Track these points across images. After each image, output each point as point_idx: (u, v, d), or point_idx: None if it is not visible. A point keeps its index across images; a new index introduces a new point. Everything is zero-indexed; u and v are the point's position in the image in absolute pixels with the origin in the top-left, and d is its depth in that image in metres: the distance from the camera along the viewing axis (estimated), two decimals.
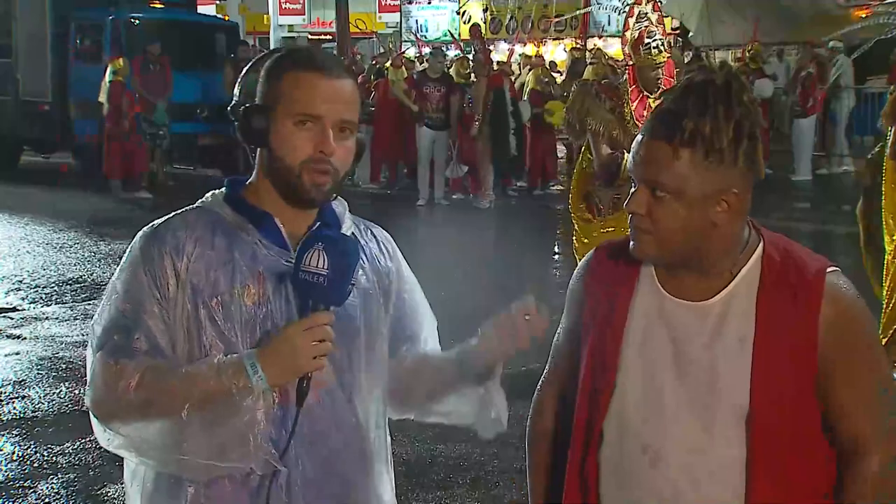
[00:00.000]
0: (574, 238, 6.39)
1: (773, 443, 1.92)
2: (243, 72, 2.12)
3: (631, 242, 2.01)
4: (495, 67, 14.36)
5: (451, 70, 14.82)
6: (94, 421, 2.02)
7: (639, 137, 1.98)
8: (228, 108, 2.08)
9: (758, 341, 1.93)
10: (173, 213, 2.09)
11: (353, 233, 2.15)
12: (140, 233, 2.06)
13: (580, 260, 2.36)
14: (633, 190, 1.99)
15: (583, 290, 2.16)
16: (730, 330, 1.96)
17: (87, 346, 2.06)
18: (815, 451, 1.97)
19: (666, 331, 2.01)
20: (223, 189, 2.13)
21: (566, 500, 2.11)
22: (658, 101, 2.03)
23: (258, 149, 2.08)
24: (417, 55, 18.87)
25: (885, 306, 6.26)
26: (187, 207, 2.10)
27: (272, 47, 21.94)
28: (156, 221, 2.07)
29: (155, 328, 1.98)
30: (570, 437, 2.10)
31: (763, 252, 2.00)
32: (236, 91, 2.10)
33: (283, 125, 2.00)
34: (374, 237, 2.23)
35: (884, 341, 6.29)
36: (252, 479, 2.00)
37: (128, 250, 2.06)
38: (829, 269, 1.98)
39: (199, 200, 2.12)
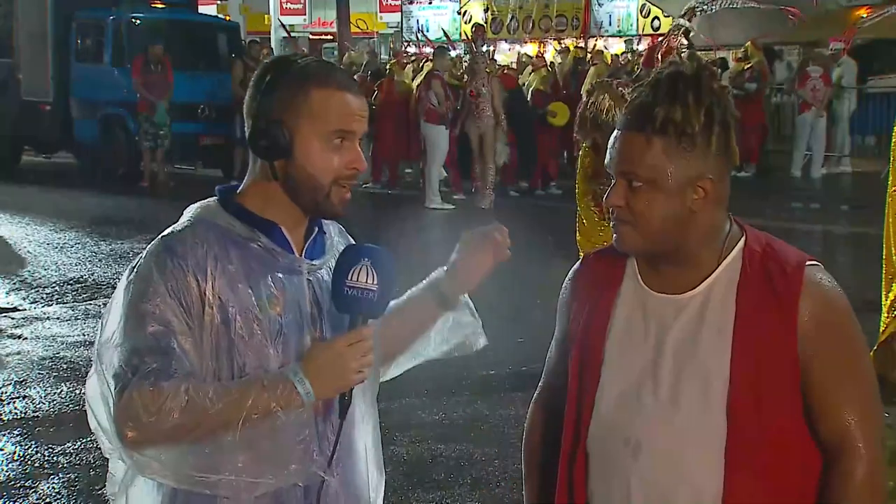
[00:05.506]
0: (578, 235, 6.37)
1: (751, 434, 1.92)
2: (255, 81, 2.04)
3: (614, 236, 2.02)
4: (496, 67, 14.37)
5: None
6: (123, 451, 1.93)
7: (615, 133, 2.00)
8: (250, 129, 2.03)
9: (737, 332, 1.94)
10: (181, 228, 2.02)
11: (335, 234, 2.19)
12: (151, 251, 2.00)
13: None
14: (612, 185, 2.00)
15: (570, 297, 2.18)
16: (709, 321, 1.98)
17: (87, 346, 2.04)
18: (792, 447, 1.96)
19: (647, 325, 2.03)
20: (215, 199, 2.08)
21: (557, 500, 2.12)
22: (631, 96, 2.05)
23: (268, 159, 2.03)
24: (417, 54, 18.86)
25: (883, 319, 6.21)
26: (191, 221, 2.04)
27: (273, 48, 22.03)
28: (165, 238, 2.00)
29: (187, 347, 1.94)
30: (561, 441, 2.11)
31: (745, 245, 2.02)
32: (252, 104, 2.03)
33: (313, 142, 2.00)
34: (341, 233, 2.23)
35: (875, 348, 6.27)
36: (294, 492, 2.00)
37: (137, 270, 1.99)
38: (808, 263, 1.98)
39: (195, 213, 2.05)
